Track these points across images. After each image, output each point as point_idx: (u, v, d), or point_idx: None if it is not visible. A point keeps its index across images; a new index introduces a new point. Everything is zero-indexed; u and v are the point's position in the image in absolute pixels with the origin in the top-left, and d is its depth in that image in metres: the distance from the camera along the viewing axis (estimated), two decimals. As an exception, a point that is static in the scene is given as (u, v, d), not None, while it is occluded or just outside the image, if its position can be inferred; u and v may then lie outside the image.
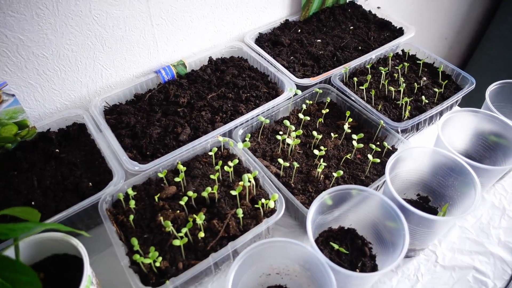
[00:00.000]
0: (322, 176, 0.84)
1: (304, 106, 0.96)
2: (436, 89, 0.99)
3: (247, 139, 0.88)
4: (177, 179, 0.77)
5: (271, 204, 0.73)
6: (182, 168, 0.78)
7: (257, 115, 0.93)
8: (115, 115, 0.97)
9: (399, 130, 0.90)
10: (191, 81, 1.07)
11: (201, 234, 0.70)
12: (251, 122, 0.93)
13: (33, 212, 0.57)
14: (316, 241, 0.76)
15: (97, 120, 0.93)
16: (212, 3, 1.08)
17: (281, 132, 0.91)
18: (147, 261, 0.64)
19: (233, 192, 0.74)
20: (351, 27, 1.24)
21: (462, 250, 0.83)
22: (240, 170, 0.84)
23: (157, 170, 0.82)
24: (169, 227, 0.69)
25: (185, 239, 0.67)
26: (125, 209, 0.77)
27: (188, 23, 1.07)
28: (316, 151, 0.85)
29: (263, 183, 0.80)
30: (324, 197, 0.69)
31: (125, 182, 0.80)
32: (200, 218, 0.70)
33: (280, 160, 0.83)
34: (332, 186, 0.81)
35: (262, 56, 1.10)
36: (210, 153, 0.84)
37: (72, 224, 0.76)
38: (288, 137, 0.86)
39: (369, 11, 1.30)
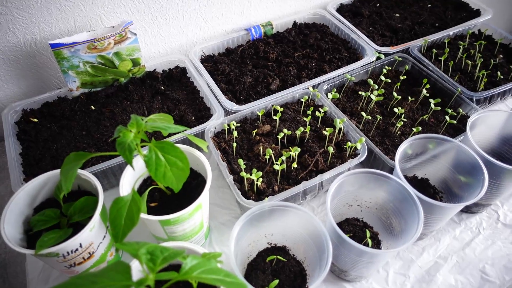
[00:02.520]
0: (399, 132, 0.92)
1: (384, 70, 1.04)
2: (511, 67, 1.05)
3: (331, 93, 0.97)
4: (274, 118, 0.88)
5: (358, 146, 0.82)
6: (279, 109, 0.89)
7: (341, 74, 1.02)
8: (211, 63, 1.09)
9: (474, 100, 0.97)
10: (277, 41, 1.17)
11: (294, 165, 0.81)
12: (333, 80, 1.02)
13: (170, 118, 0.69)
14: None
15: (196, 65, 1.05)
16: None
17: (361, 92, 1.00)
18: (253, 177, 0.76)
19: (325, 132, 0.84)
20: (429, 5, 1.29)
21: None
22: (325, 119, 0.94)
23: (253, 111, 0.93)
24: (270, 154, 0.80)
25: (283, 165, 0.78)
26: (226, 139, 0.89)
27: (279, -13, 1.17)
28: (396, 109, 0.93)
29: (346, 131, 0.90)
30: (407, 144, 0.78)
31: (224, 118, 0.92)
32: (294, 150, 0.81)
33: (363, 113, 0.92)
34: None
35: (343, 24, 1.18)
36: (301, 100, 0.94)
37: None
38: (371, 94, 0.94)
39: (449, -9, 1.35)
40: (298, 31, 1.20)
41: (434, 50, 1.08)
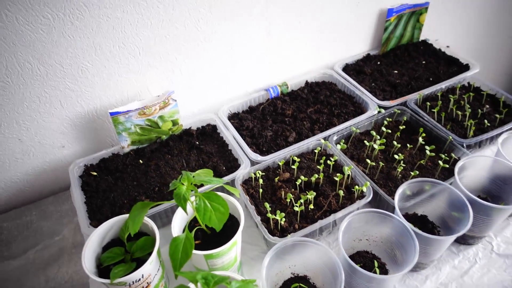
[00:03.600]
0: (400, 175, 1.08)
1: (385, 122, 1.22)
2: (497, 115, 1.20)
3: (340, 144, 1.15)
4: (293, 166, 1.06)
5: (364, 189, 0.98)
6: (296, 159, 1.07)
7: (348, 126, 1.19)
8: (237, 120, 1.29)
9: (464, 145, 1.13)
10: (292, 98, 1.37)
11: (311, 206, 0.97)
12: (341, 132, 1.20)
13: (210, 172, 0.87)
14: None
15: (225, 122, 1.25)
16: (308, 41, 1.38)
17: (365, 141, 1.17)
18: (277, 217, 0.92)
19: (336, 178, 1.00)
20: (423, 62, 1.48)
21: (516, 244, 1.02)
22: (336, 166, 1.11)
23: (274, 161, 1.11)
24: (290, 197, 0.97)
25: (302, 207, 0.95)
26: (253, 185, 1.06)
27: (292, 55, 1.39)
28: (396, 156, 1.10)
29: (354, 176, 1.06)
30: (405, 186, 0.93)
31: (251, 168, 1.10)
32: (311, 194, 0.98)
33: (368, 160, 1.08)
34: (408, 183, 1.04)
35: (349, 82, 1.38)
36: (315, 151, 1.11)
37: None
38: (374, 144, 1.12)
39: (439, 49, 1.54)
40: (310, 89, 1.41)
41: (428, 103, 1.26)
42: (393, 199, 0.97)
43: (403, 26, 1.51)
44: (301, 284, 0.86)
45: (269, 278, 0.85)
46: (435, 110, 1.22)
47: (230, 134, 1.21)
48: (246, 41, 1.25)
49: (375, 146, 1.10)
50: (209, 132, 1.26)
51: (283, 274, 0.90)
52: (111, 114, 1.09)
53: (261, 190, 1.02)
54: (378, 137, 1.15)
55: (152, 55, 1.12)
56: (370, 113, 1.23)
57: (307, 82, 1.43)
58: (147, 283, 0.83)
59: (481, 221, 0.94)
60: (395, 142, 1.14)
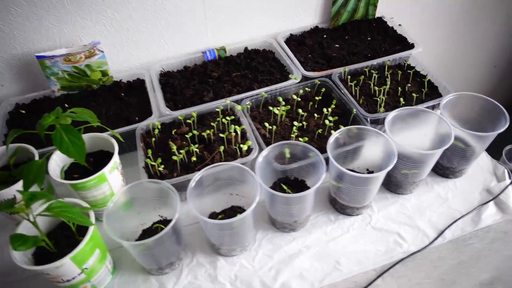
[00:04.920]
0: (300, 140, 1.09)
1: (301, 91, 1.23)
2: (414, 94, 1.18)
3: (248, 106, 1.17)
4: (188, 121, 1.11)
5: (244, 148, 1.02)
6: (194, 114, 1.12)
7: (267, 91, 1.21)
8: (166, 78, 1.35)
9: (369, 120, 1.12)
10: (226, 63, 1.40)
11: (193, 158, 1.02)
12: (257, 97, 1.23)
13: (92, 114, 0.94)
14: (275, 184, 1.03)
15: (152, 79, 1.31)
16: (254, 7, 1.40)
17: (270, 107, 1.18)
18: (151, 163, 0.98)
19: (221, 135, 1.04)
20: (369, 38, 1.45)
21: (395, 220, 1.02)
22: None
23: (180, 115, 1.16)
24: (174, 148, 1.02)
25: (180, 156, 1.00)
26: (152, 135, 1.12)
27: (234, 20, 1.41)
28: (295, 123, 1.11)
29: (250, 137, 1.09)
30: (285, 146, 0.96)
31: (158, 119, 1.15)
32: (194, 147, 1.03)
33: (266, 124, 1.11)
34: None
35: (285, 51, 1.39)
36: (217, 109, 1.15)
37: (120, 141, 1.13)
38: (276, 109, 1.14)
39: (392, 27, 1.50)
40: (247, 55, 1.43)
41: (349, 77, 1.25)
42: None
43: (356, 1, 1.48)
44: (160, 225, 0.93)
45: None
46: (352, 84, 1.21)
47: (152, 89, 1.27)
48: (182, 3, 1.29)
49: (276, 111, 1.12)
50: (136, 86, 1.33)
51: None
52: (37, 57, 1.18)
53: (153, 139, 1.08)
54: (284, 103, 1.17)
55: (80, 6, 1.19)
56: (290, 82, 1.24)
57: (246, 49, 1.45)
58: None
59: (355, 192, 0.95)
60: (300, 110, 1.15)
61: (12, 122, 1.21)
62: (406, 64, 1.33)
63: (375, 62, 1.31)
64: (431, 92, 1.23)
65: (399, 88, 1.22)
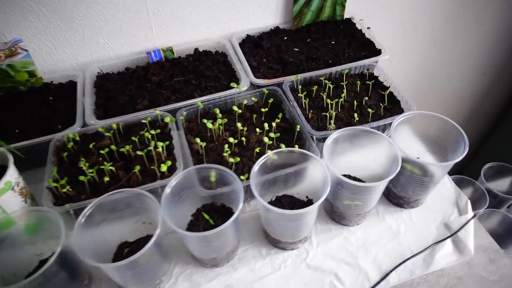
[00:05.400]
0: (231, 160, 0.95)
1: (245, 101, 1.09)
2: (370, 110, 1.03)
3: (182, 118, 1.04)
4: (107, 134, 0.97)
5: (163, 168, 0.88)
6: (114, 126, 0.98)
7: (199, 102, 1.07)
8: (102, 80, 1.21)
9: (314, 138, 0.98)
10: (173, 65, 1.26)
11: (106, 178, 0.89)
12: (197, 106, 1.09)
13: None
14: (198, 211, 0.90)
15: (86, 81, 1.18)
16: (204, 3, 1.25)
17: (204, 120, 1.03)
18: (54, 185, 0.85)
19: (139, 152, 0.91)
20: (333, 42, 1.30)
21: (335, 257, 0.88)
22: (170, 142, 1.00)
23: (102, 126, 1.03)
24: (85, 166, 0.89)
25: (88, 177, 0.87)
26: (68, 147, 0.99)
27: (181, 17, 1.27)
28: (231, 139, 0.98)
29: (176, 154, 0.96)
30: (211, 171, 0.83)
31: (79, 130, 1.02)
32: (108, 166, 0.89)
33: (197, 139, 0.97)
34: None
35: (236, 54, 1.25)
36: (143, 121, 1.02)
37: (37, 152, 1.00)
38: (211, 122, 1.00)
39: (360, 29, 1.35)
40: (197, 57, 1.29)
41: (300, 87, 1.11)
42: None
43: (321, 0, 1.33)
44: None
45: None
46: (301, 95, 1.07)
47: (82, 93, 1.14)
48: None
49: (210, 125, 0.99)
50: (68, 89, 1.19)
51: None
52: (-50, 55, 1.06)
53: (65, 154, 0.95)
54: (220, 115, 1.03)
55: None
56: (233, 91, 1.10)
57: (196, 50, 1.31)
58: None
59: (286, 227, 0.82)
60: (239, 124, 1.01)
61: None
62: (368, 73, 1.18)
63: (334, 70, 1.16)
64: (392, 107, 1.08)
65: (355, 102, 1.07)
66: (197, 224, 0.89)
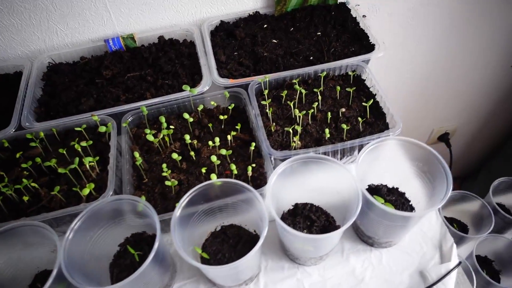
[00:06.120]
0: (169, 183, 0.81)
1: (201, 107, 0.94)
2: (344, 126, 0.85)
3: (124, 125, 0.90)
4: (33, 144, 0.85)
5: (85, 192, 0.76)
6: (41, 134, 0.86)
7: (143, 107, 0.92)
8: (51, 72, 1.08)
9: (272, 159, 0.82)
10: (132, 56, 1.11)
11: (25, 198, 0.78)
12: (151, 109, 0.95)
13: None
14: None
15: (32, 74, 1.05)
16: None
17: (146, 130, 0.89)
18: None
19: (61, 170, 0.78)
20: (319, 33, 1.10)
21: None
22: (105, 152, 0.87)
23: (38, 130, 0.91)
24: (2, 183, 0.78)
25: (9, 193, 0.76)
26: (-4, 155, 0.88)
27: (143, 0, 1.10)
28: (174, 155, 0.83)
29: (110, 170, 0.83)
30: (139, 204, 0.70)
31: (11, 134, 0.90)
32: (26, 182, 0.78)
33: (136, 154, 0.84)
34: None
35: (205, 46, 1.07)
36: (76, 129, 0.89)
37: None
38: (154, 133, 0.86)
39: (355, 17, 1.14)
40: (161, 47, 1.13)
41: (266, 91, 0.93)
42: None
43: (309, -20, 1.12)
44: None
45: None
46: (266, 103, 0.90)
47: (25, 88, 1.01)
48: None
49: (150, 137, 0.84)
50: (12, 82, 1.07)
51: None
52: None
53: (-14, 164, 0.84)
54: (165, 125, 0.88)
55: None
56: (186, 93, 0.94)
57: (160, 38, 1.14)
58: None
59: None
60: (187, 136, 0.86)
61: None
62: (353, 76, 0.99)
63: (313, 69, 0.98)
64: (375, 120, 0.90)
65: (330, 113, 0.89)
66: (124, 256, 0.77)
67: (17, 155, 0.86)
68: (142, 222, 0.76)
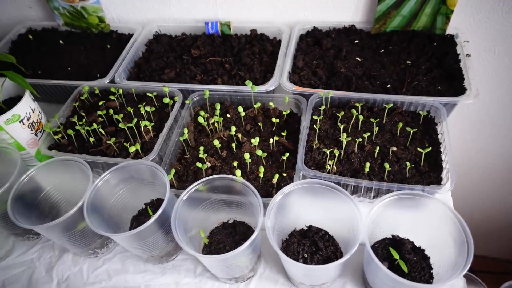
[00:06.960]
0: (199, 165, 0.86)
1: (257, 105, 0.97)
2: (386, 166, 0.78)
3: (188, 102, 0.98)
4: (111, 97, 0.99)
5: (132, 149, 0.86)
6: (120, 91, 0.99)
7: (207, 91, 0.98)
8: (154, 41, 1.23)
9: (300, 174, 0.81)
10: (223, 42, 1.19)
11: (91, 139, 0.92)
12: (215, 94, 1.02)
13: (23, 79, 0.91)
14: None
15: (139, 39, 1.21)
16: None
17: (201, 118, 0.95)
18: (48, 130, 0.93)
19: (121, 126, 0.90)
20: (409, 62, 1.02)
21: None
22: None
23: (123, 87, 1.05)
24: (79, 123, 0.94)
25: (83, 132, 0.92)
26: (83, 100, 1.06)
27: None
28: (215, 142, 0.89)
29: (160, 137, 0.92)
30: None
31: (104, 84, 1.07)
32: (96, 127, 0.92)
33: (185, 130, 0.91)
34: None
35: (288, 48, 1.09)
36: (148, 94, 1.00)
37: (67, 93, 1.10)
38: (208, 116, 0.92)
39: (458, 54, 1.01)
40: (250, 40, 1.18)
41: (323, 107, 0.91)
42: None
43: (417, 4, 1.03)
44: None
45: None
46: (318, 118, 0.88)
47: (128, 50, 1.18)
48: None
49: (200, 120, 0.91)
50: (124, 41, 1.25)
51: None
52: (40, -11, 1.21)
53: (76, 103, 1.02)
54: (219, 112, 0.93)
55: None
56: (247, 88, 0.97)
57: (252, 31, 1.20)
58: None
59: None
60: (233, 128, 0.90)
61: (17, 43, 1.30)
62: (423, 116, 0.89)
63: (383, 97, 0.91)
64: (428, 171, 0.80)
65: (377, 148, 0.83)
66: (145, 214, 0.86)
67: (100, 103, 1.01)
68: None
